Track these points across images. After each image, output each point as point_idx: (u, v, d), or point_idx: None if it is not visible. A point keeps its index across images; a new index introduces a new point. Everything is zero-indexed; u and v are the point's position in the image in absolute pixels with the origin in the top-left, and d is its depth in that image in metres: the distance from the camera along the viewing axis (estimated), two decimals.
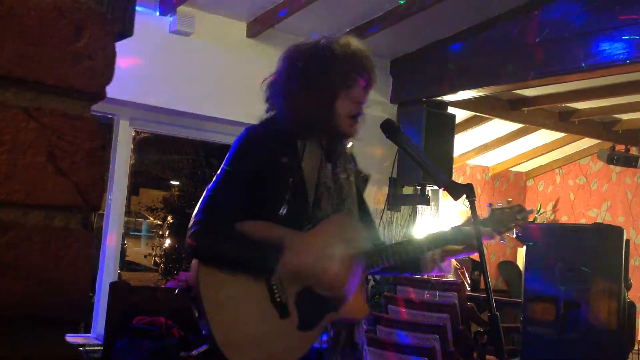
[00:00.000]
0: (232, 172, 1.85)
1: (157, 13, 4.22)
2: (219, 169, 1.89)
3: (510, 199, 2.13)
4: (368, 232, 2.01)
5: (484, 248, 1.88)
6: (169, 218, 10.40)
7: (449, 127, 5.24)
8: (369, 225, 2.09)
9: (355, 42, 1.94)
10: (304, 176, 1.89)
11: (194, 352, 1.82)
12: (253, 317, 1.77)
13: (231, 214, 1.80)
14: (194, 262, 1.80)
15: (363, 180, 2.10)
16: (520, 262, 6.64)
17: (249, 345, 1.75)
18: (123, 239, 5.18)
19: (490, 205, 2.10)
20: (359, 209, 2.03)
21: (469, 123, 6.17)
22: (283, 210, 1.83)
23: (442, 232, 2.00)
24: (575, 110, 6.13)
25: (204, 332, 1.77)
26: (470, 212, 1.89)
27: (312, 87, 1.87)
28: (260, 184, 1.84)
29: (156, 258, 10.30)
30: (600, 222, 6.98)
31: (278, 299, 1.78)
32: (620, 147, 6.67)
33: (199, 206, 1.83)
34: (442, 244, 1.99)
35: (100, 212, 4.49)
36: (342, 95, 1.88)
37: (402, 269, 2.05)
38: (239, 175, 1.85)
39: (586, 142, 7.14)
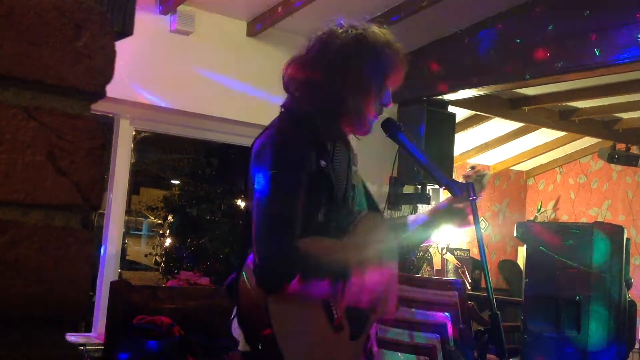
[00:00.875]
0: (284, 190, 1.73)
1: (157, 12, 4.22)
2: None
3: (473, 166, 2.15)
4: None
5: (485, 247, 1.89)
6: (170, 217, 10.41)
7: (450, 126, 5.24)
8: (378, 212, 2.11)
9: (396, 42, 1.90)
10: (337, 179, 1.85)
11: None
12: (316, 340, 1.76)
13: (296, 235, 1.69)
14: (256, 291, 1.69)
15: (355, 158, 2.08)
16: (521, 261, 6.64)
17: None
18: (123, 238, 5.18)
19: (464, 176, 2.12)
20: (365, 194, 2.03)
21: (469, 122, 6.17)
22: (321, 216, 1.78)
23: (431, 218, 2.04)
24: (576, 109, 6.13)
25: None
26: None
27: (356, 82, 1.83)
28: (305, 192, 1.75)
29: (157, 257, 10.31)
30: (601, 221, 6.97)
31: (335, 315, 1.76)
32: (620, 146, 6.67)
33: (261, 237, 1.68)
34: (435, 226, 2.05)
35: (101, 211, 4.49)
36: (377, 95, 1.87)
37: None
38: (292, 193, 1.73)
39: (587, 141, 7.13)
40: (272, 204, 1.70)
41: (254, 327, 1.73)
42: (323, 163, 1.79)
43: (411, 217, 2.12)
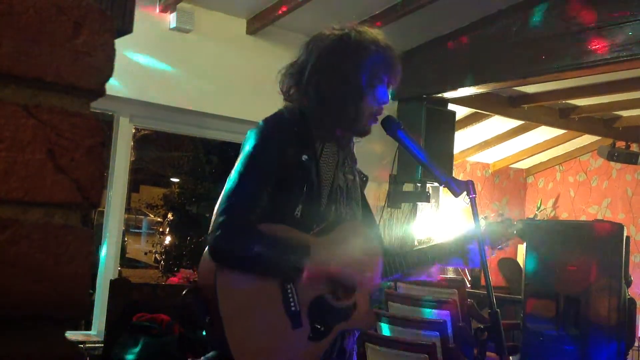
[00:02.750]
0: (254, 168, 1.76)
1: (157, 10, 4.22)
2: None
3: (502, 212, 2.15)
4: (376, 239, 1.99)
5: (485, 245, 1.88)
6: (169, 215, 10.42)
7: (449, 124, 5.24)
8: (373, 229, 2.06)
9: (384, 40, 1.90)
10: (321, 177, 1.84)
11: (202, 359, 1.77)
12: (267, 327, 1.73)
13: (256, 213, 1.71)
14: (209, 265, 1.71)
15: (363, 181, 2.07)
16: (521, 258, 6.65)
17: (261, 356, 1.72)
18: (123, 236, 5.18)
19: (486, 218, 2.13)
20: (363, 211, 2.01)
21: (469, 120, 6.17)
22: (298, 212, 1.78)
23: (445, 245, 2.02)
24: (576, 107, 6.13)
25: (214, 338, 1.71)
26: (472, 212, 1.91)
27: (342, 82, 1.83)
28: (279, 183, 1.76)
29: (156, 255, 10.33)
30: (601, 218, 6.98)
31: (293, 308, 1.74)
32: (620, 144, 6.68)
33: (221, 206, 1.72)
34: (446, 257, 2.01)
35: (101, 209, 4.49)
36: (369, 94, 1.86)
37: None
38: (262, 172, 1.76)
39: (586, 139, 7.14)
40: (236, 181, 1.74)
41: (205, 300, 1.72)
42: (304, 157, 1.80)
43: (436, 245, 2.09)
